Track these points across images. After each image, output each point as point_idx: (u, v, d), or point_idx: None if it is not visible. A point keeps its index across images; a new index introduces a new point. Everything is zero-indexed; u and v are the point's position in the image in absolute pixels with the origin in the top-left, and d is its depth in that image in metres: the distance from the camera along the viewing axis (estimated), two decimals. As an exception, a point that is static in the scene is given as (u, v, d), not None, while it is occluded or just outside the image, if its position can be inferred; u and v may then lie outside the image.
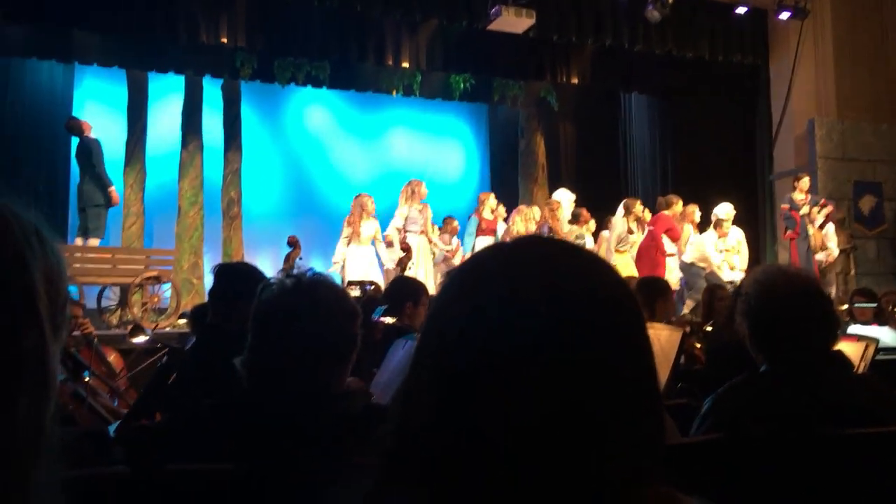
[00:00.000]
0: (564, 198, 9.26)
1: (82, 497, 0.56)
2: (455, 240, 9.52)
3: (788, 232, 9.45)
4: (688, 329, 4.15)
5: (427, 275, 8.62)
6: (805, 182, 9.42)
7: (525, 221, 8.89)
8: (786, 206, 9.52)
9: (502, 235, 9.08)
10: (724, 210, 9.13)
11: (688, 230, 9.14)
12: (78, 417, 2.92)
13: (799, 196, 9.41)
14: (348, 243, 8.50)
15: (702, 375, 3.35)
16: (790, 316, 1.81)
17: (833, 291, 8.61)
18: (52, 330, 0.60)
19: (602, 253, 8.95)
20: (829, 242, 9.15)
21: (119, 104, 10.35)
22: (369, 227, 8.55)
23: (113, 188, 7.98)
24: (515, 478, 0.65)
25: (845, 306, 6.44)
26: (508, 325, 0.68)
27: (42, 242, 0.61)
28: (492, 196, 9.62)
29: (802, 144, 10.66)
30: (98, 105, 10.72)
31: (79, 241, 7.90)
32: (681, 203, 9.16)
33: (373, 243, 8.68)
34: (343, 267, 8.39)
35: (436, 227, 9.33)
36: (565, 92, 12.05)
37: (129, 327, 4.96)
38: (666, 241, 9.01)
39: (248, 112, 11.27)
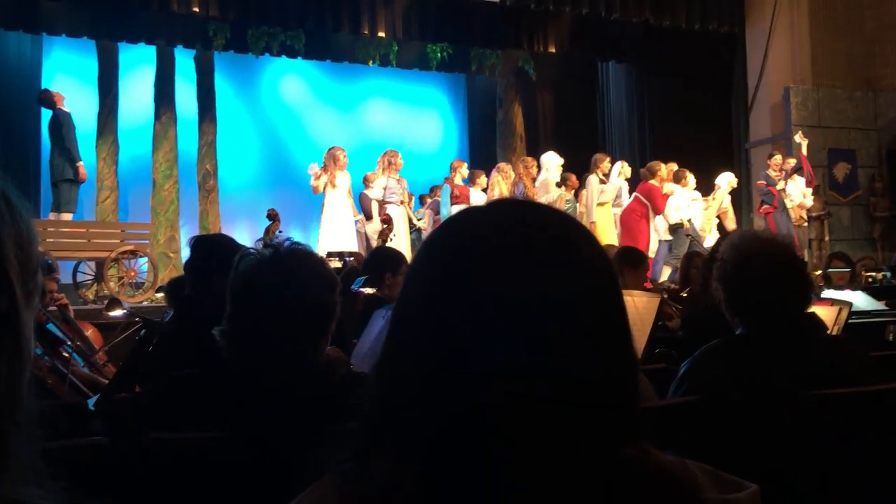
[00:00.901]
0: (552, 161, 9.24)
1: (62, 469, 0.56)
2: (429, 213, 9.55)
3: (765, 206, 9.59)
4: (665, 296, 4.20)
5: (407, 245, 8.63)
6: (777, 160, 9.63)
7: (506, 179, 8.95)
8: (762, 182, 9.66)
9: (488, 196, 9.05)
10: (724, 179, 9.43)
11: (670, 188, 9.17)
12: (58, 392, 2.90)
13: (773, 173, 9.59)
14: (323, 189, 8.40)
15: (679, 340, 3.39)
16: (765, 280, 1.84)
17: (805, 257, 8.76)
18: (24, 296, 0.59)
19: (584, 211, 9.02)
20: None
21: (90, 76, 10.14)
22: (343, 178, 8.52)
23: (81, 164, 7.86)
24: (497, 442, 0.65)
25: (819, 272, 6.54)
26: (484, 292, 0.68)
27: (10, 207, 0.60)
28: (465, 165, 9.57)
29: (778, 112, 10.73)
30: (68, 77, 10.50)
31: (52, 216, 7.80)
32: (664, 167, 9.17)
33: (356, 223, 8.64)
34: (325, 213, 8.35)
35: (412, 197, 9.32)
36: (543, 61, 11.99)
37: (106, 302, 4.92)
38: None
39: (222, 83, 11.10)
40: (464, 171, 9.44)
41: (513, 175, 9.08)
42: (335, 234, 8.24)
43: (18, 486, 0.55)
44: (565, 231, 0.73)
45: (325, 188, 8.37)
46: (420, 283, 0.74)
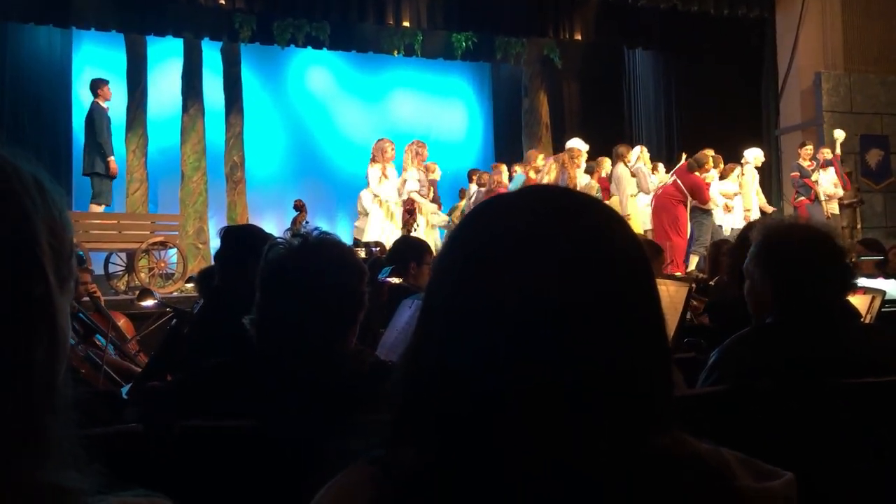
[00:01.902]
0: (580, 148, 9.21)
1: (97, 456, 0.57)
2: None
3: (802, 198, 9.45)
4: (693, 285, 4.15)
5: (428, 235, 8.63)
6: (808, 150, 9.48)
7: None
8: (796, 174, 9.53)
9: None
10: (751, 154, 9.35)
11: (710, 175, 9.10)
12: (92, 381, 2.95)
13: (805, 163, 9.45)
14: (379, 183, 8.41)
15: (708, 329, 3.36)
16: (808, 264, 1.80)
17: None
18: (57, 282, 0.59)
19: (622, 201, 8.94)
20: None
21: (118, 69, 10.27)
22: (391, 170, 8.51)
23: (112, 159, 7.97)
24: (529, 432, 0.65)
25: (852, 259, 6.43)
26: (517, 282, 0.67)
27: (42, 193, 0.60)
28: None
29: (809, 98, 10.55)
30: (97, 70, 10.60)
31: (94, 208, 7.93)
32: (711, 160, 9.06)
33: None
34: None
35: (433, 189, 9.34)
36: (569, 49, 11.90)
37: (137, 292, 4.99)
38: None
39: (248, 74, 11.18)
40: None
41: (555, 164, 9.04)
42: (382, 225, 8.29)
43: (59, 471, 0.56)
44: (598, 219, 0.72)
45: (379, 181, 8.36)
46: (448, 272, 0.73)
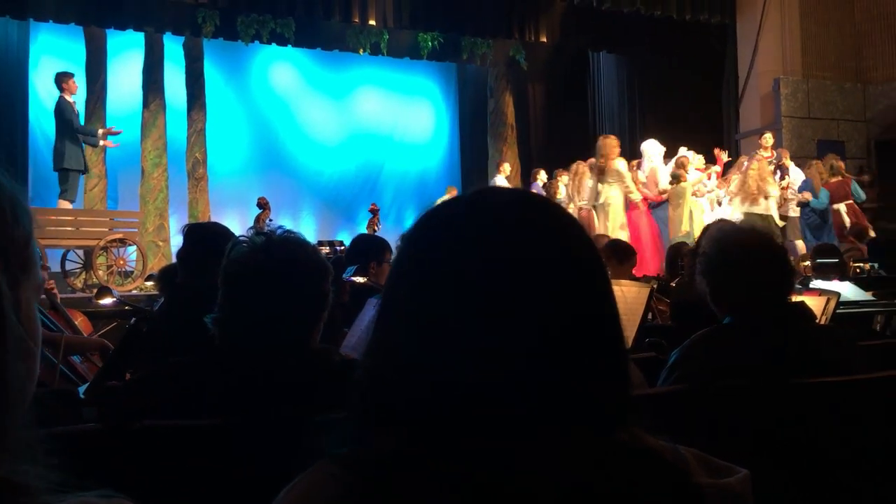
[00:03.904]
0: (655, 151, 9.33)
1: (55, 455, 0.56)
2: None
3: None
4: (654, 286, 4.21)
5: None
6: (768, 138, 9.60)
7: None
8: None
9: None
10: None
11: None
12: (47, 380, 2.89)
13: (764, 154, 9.58)
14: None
15: (669, 330, 3.41)
16: (745, 269, 1.85)
17: (802, 247, 8.77)
18: (8, 275, 0.56)
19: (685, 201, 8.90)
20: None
21: (78, 60, 10.06)
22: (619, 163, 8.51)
23: (101, 130, 8.07)
24: (490, 426, 0.66)
25: (807, 262, 6.58)
26: (472, 280, 0.68)
27: None
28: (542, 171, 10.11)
29: (768, 103, 10.76)
30: (55, 60, 10.41)
31: (62, 204, 7.80)
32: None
33: None
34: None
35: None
36: (534, 51, 11.98)
37: (95, 290, 4.90)
38: None
39: (211, 70, 11.04)
40: (542, 176, 10.04)
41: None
42: None
43: (10, 466, 0.55)
44: (550, 219, 0.74)
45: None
46: (406, 272, 0.74)
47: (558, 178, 9.76)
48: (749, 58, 10.94)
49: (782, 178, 9.49)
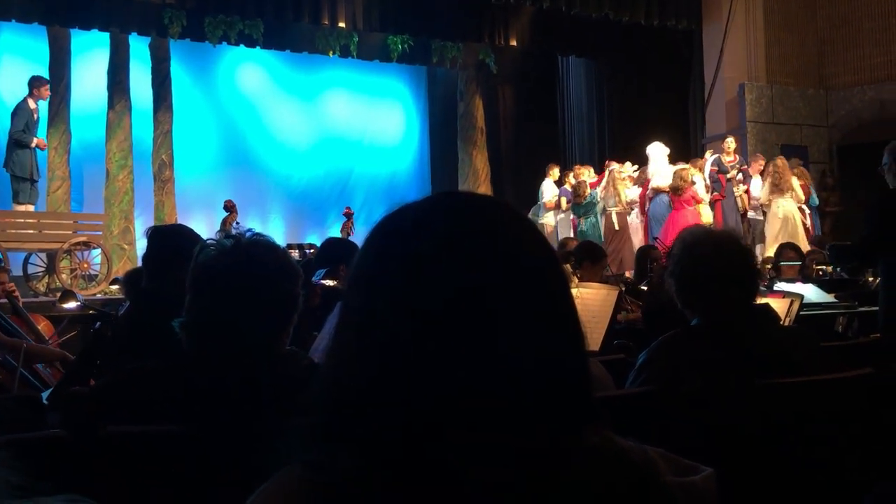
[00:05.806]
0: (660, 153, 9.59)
1: (18, 461, 0.55)
2: None
3: (714, 194, 9.74)
4: (623, 287, 4.26)
5: None
6: (730, 143, 9.79)
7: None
8: (714, 167, 9.80)
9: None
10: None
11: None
12: (7, 385, 2.83)
13: (727, 158, 9.75)
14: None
15: (638, 332, 3.44)
16: (709, 272, 1.88)
17: (765, 250, 8.92)
18: None
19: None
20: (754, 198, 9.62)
21: (41, 59, 9.86)
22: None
23: (35, 140, 7.82)
24: (457, 431, 0.66)
25: (770, 265, 6.69)
26: (431, 285, 0.68)
27: None
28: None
29: (733, 108, 10.93)
30: (17, 60, 10.20)
31: (26, 207, 7.66)
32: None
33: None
34: None
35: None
36: (504, 55, 12.03)
37: (59, 294, 4.81)
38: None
39: (178, 71, 10.89)
40: (555, 173, 10.31)
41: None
42: None
43: None
44: (506, 223, 0.74)
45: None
46: (364, 277, 0.74)
47: (578, 176, 9.79)
48: (715, 64, 11.11)
49: (743, 181, 9.68)
